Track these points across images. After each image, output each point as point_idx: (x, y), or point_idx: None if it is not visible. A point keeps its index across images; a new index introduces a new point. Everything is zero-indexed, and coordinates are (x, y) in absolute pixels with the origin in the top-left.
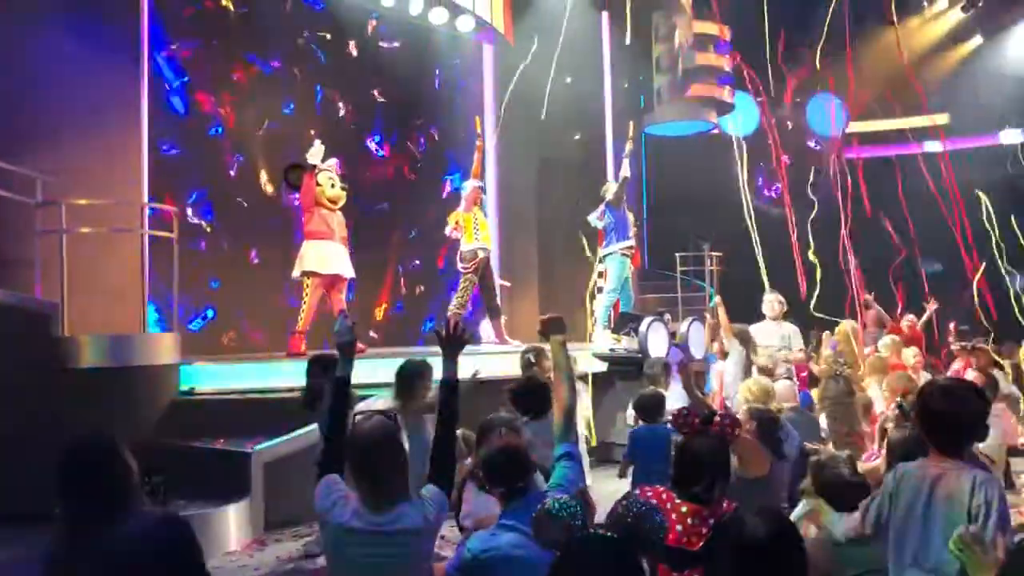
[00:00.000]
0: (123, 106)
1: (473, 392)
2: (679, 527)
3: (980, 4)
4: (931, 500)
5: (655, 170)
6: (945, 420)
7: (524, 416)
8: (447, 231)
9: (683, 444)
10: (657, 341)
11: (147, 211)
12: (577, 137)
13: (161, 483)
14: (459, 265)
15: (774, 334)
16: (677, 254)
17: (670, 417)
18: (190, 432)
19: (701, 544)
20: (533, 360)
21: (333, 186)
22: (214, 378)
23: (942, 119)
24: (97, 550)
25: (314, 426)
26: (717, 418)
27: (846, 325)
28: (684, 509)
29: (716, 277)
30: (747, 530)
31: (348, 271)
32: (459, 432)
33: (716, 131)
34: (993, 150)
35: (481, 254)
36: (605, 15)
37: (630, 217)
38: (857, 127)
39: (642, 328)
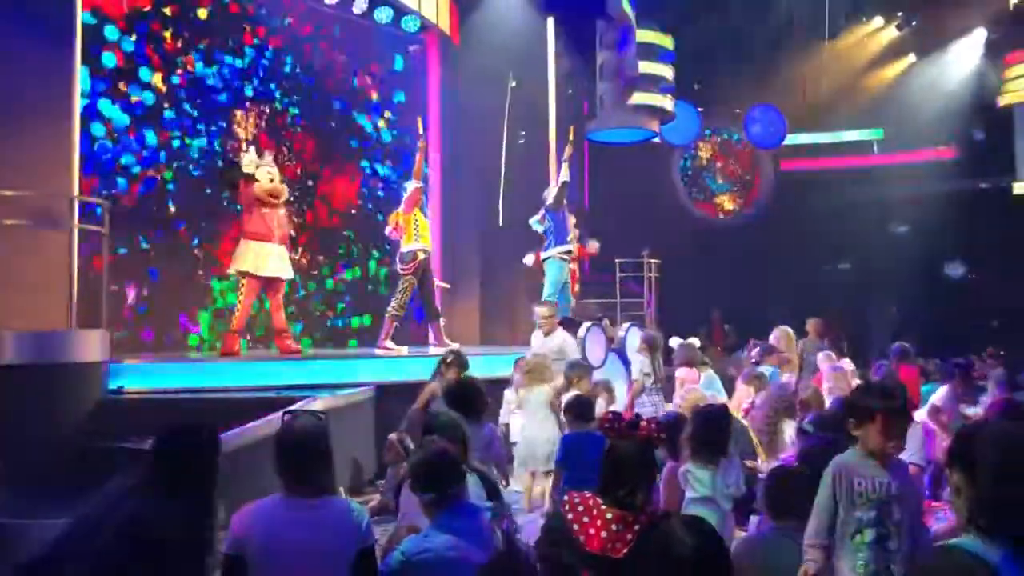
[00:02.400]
0: (52, 92)
1: (408, 394)
2: (604, 534)
3: (913, 24)
4: None
5: (596, 176)
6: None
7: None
8: (387, 231)
9: (608, 448)
10: (595, 346)
11: (76, 204)
12: (521, 141)
13: None
14: (398, 266)
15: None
16: (616, 259)
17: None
18: (117, 432)
19: (625, 551)
20: (448, 361)
21: (272, 180)
22: (144, 377)
23: (877, 133)
24: None
25: (247, 426)
26: (644, 422)
27: (785, 329)
28: (609, 516)
29: (654, 283)
30: (673, 541)
31: (286, 273)
32: (394, 435)
33: (657, 139)
34: (924, 165)
35: (421, 255)
36: (551, 20)
37: (571, 220)
38: (795, 139)
39: (580, 333)
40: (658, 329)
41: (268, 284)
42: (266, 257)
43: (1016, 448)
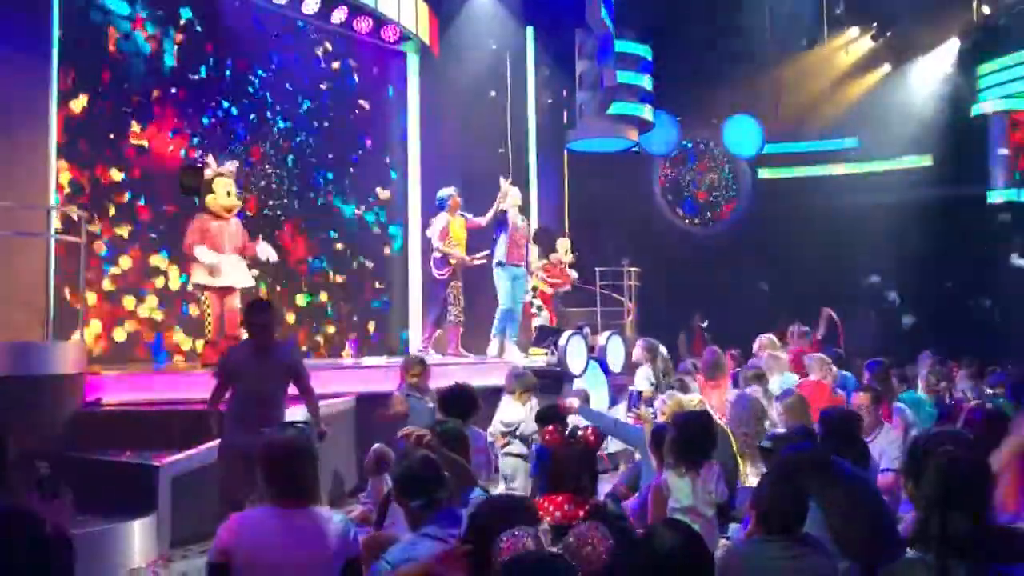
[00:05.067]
0: (30, 100)
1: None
2: (558, 513)
3: (888, 34)
4: None
5: (576, 186)
6: None
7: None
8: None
9: (551, 454)
10: (576, 355)
11: (53, 214)
12: (501, 151)
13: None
14: (435, 272)
15: None
16: (597, 268)
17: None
18: (96, 445)
19: (581, 515)
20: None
21: (229, 194)
22: (123, 389)
23: (852, 143)
24: None
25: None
26: (580, 432)
27: (769, 337)
28: (559, 499)
29: (634, 292)
30: (656, 542)
31: (240, 281)
32: (376, 447)
33: (636, 149)
34: (899, 174)
35: (451, 260)
36: (530, 30)
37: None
38: (773, 149)
39: (561, 342)
40: (637, 337)
41: (224, 293)
42: (218, 266)
43: (954, 483)
